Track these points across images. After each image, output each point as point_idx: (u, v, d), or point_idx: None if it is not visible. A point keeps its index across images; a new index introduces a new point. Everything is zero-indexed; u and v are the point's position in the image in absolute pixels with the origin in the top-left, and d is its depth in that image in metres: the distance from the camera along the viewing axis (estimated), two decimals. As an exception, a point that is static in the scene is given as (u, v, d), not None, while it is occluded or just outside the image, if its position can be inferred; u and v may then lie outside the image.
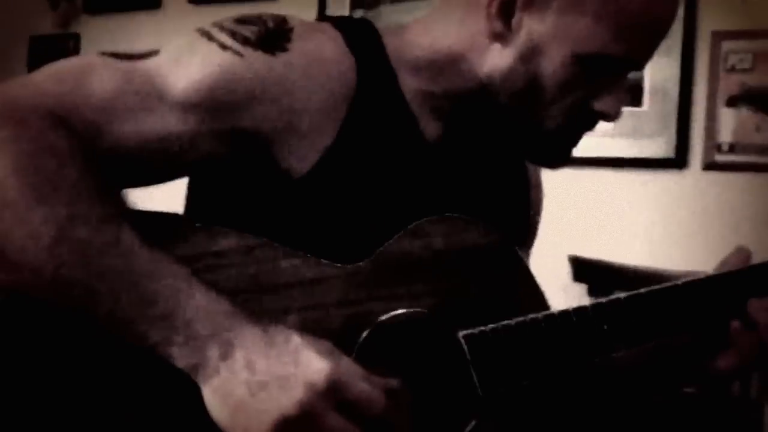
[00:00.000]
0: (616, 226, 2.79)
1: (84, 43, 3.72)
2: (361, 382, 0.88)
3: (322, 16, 3.15)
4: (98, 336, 0.90)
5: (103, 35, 3.64)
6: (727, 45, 2.69)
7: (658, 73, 2.74)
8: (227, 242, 0.98)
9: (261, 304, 0.95)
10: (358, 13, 3.17)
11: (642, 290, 1.03)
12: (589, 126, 1.09)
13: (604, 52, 1.01)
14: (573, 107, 1.05)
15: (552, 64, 1.03)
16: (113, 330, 0.88)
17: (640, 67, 1.08)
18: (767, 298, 1.03)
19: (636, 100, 2.77)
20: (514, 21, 1.03)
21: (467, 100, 1.08)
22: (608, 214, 2.81)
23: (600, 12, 1.00)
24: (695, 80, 2.74)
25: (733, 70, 2.69)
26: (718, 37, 2.70)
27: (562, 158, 1.13)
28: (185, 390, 0.89)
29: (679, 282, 1.05)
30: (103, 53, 0.99)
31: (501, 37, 1.04)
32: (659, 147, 2.76)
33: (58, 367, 0.92)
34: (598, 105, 1.05)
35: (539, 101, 1.05)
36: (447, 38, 1.08)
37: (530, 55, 1.03)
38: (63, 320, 0.91)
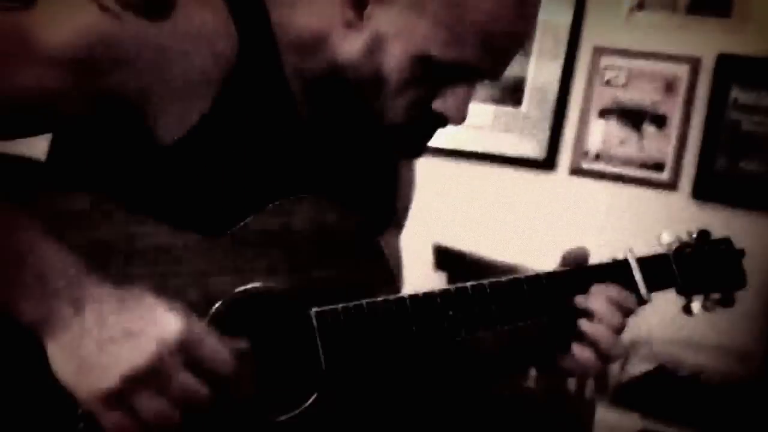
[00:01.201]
0: (484, 219, 2.88)
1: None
2: (211, 342, 0.88)
3: None
4: None
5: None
6: (605, 60, 2.83)
7: (540, 77, 2.87)
8: (83, 203, 0.97)
9: (115, 268, 0.94)
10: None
11: (485, 281, 1.08)
12: (436, 125, 1.09)
13: (436, 55, 1.01)
14: (413, 105, 1.06)
15: (393, 60, 1.03)
16: None
17: (487, 76, 1.08)
18: (589, 293, 1.10)
19: (516, 100, 2.88)
20: (366, 11, 1.03)
21: (328, 84, 1.08)
22: (477, 207, 2.90)
23: (438, 16, 1.00)
24: (573, 89, 2.86)
25: (608, 84, 2.82)
26: (598, 51, 2.84)
27: (410, 151, 1.15)
28: (23, 350, 0.87)
29: (521, 276, 1.11)
30: None
31: (353, 25, 1.04)
32: (531, 148, 2.87)
33: None
34: (437, 105, 1.05)
35: (381, 94, 1.05)
36: (316, 21, 1.09)
37: (375, 47, 1.03)
38: None
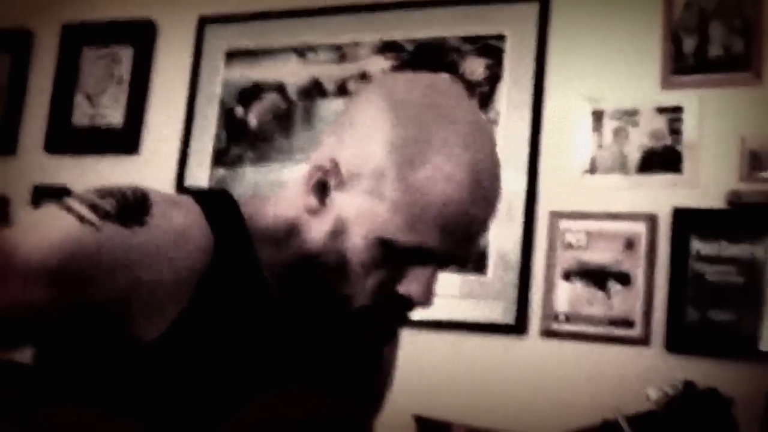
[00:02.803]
0: (459, 387, 2.86)
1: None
2: None
3: (181, 187, 3.16)
4: None
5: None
6: (564, 223, 2.88)
7: (501, 244, 2.91)
8: (69, 415, 0.98)
9: None
10: (219, 172, 3.23)
11: None
12: (403, 308, 1.10)
13: (395, 239, 1.03)
14: (378, 287, 1.07)
15: (355, 244, 1.05)
16: None
17: (452, 260, 1.09)
18: None
19: (480, 268, 2.91)
20: (328, 199, 1.07)
21: (300, 271, 1.11)
22: (452, 375, 2.88)
23: (396, 201, 1.03)
24: (535, 253, 2.90)
25: (570, 246, 2.87)
26: (555, 215, 2.89)
27: (380, 337, 1.16)
28: None
29: None
30: None
31: (316, 212, 1.08)
32: (500, 313, 2.88)
33: None
34: (402, 288, 1.06)
35: (347, 279, 1.07)
36: (286, 210, 1.12)
37: (338, 232, 1.06)
38: None
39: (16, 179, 3.46)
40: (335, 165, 1.08)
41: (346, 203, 1.06)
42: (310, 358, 1.14)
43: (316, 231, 1.08)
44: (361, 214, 1.05)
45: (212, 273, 1.06)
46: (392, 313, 1.11)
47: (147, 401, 1.00)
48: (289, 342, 1.12)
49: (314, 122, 3.15)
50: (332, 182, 1.08)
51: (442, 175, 1.02)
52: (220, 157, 3.25)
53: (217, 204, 1.11)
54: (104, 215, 1.01)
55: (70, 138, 3.44)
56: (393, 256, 1.05)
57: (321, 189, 1.08)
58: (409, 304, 1.08)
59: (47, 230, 0.99)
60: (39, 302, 0.96)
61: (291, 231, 1.10)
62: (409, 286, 1.06)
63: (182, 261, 1.04)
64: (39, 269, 0.96)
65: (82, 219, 1.00)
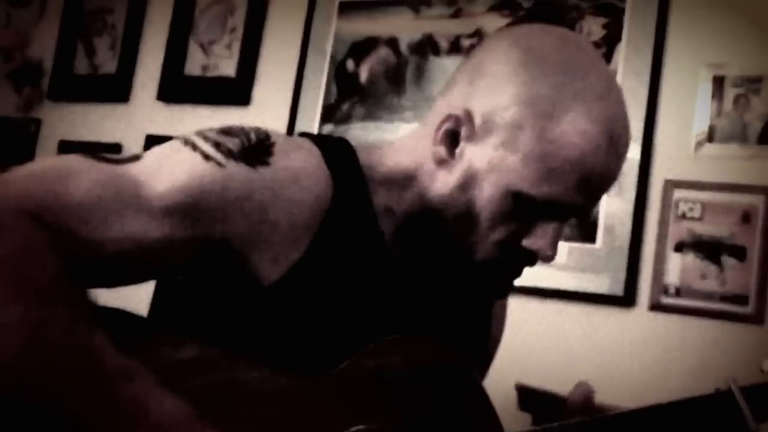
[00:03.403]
0: (565, 358, 2.82)
1: (44, 129, 3.66)
2: None
3: (301, 132, 3.12)
4: None
5: (65, 123, 3.63)
6: (678, 193, 2.80)
7: (612, 213, 2.83)
8: (189, 352, 0.98)
9: (222, 416, 0.94)
10: (328, 128, 3.22)
11: (589, 418, 1.07)
12: (525, 262, 1.10)
13: (529, 192, 1.03)
14: (504, 241, 1.07)
15: (485, 196, 1.05)
16: (74, 430, 0.86)
17: (577, 214, 1.10)
18: None
19: (589, 237, 2.85)
20: (457, 149, 1.06)
21: (418, 221, 1.10)
22: (558, 345, 2.84)
23: (530, 153, 1.03)
24: (646, 223, 2.82)
25: (683, 217, 2.78)
26: (669, 185, 2.81)
27: (498, 290, 1.15)
28: None
29: (624, 411, 1.10)
30: (86, 155, 0.99)
31: (444, 163, 1.07)
32: (609, 284, 2.82)
33: None
34: (527, 243, 1.07)
35: (473, 231, 1.06)
36: (406, 159, 1.12)
37: (468, 184, 1.05)
38: None
39: (129, 127, 3.51)
40: (468, 115, 1.07)
41: (477, 155, 1.05)
42: (424, 308, 1.14)
43: (442, 182, 1.07)
44: (493, 166, 1.04)
45: (331, 218, 1.06)
46: (513, 267, 1.10)
47: (263, 344, 1.00)
48: (403, 291, 1.12)
49: (425, 80, 3.10)
50: (464, 133, 1.07)
51: (578, 128, 1.03)
52: (329, 113, 3.23)
53: (336, 150, 1.11)
54: (228, 153, 1.01)
55: (183, 87, 3.46)
56: (523, 210, 1.04)
57: (451, 139, 1.06)
58: (533, 258, 1.08)
59: (173, 167, 0.99)
60: (164, 238, 0.97)
61: (410, 180, 1.10)
62: (535, 240, 1.06)
63: (304, 202, 1.04)
64: (164, 204, 0.97)
65: (207, 157, 1.00)
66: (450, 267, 1.12)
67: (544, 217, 1.06)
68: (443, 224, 1.08)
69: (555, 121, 1.03)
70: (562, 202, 1.05)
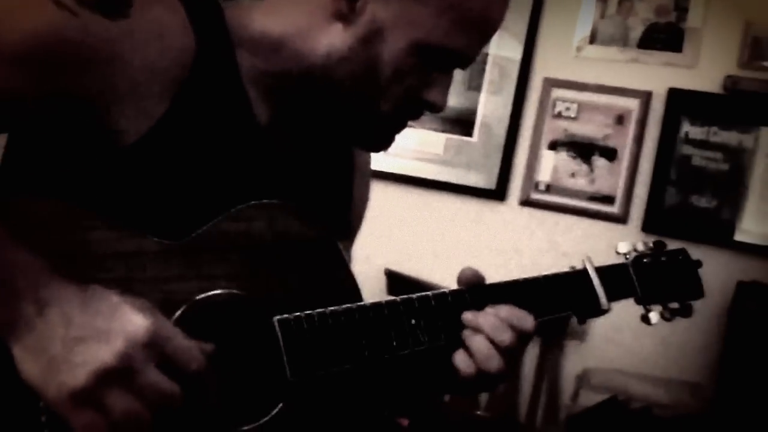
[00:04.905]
0: (435, 246, 2.86)
1: None
2: (180, 339, 0.87)
3: None
4: None
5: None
6: (556, 92, 2.84)
7: (490, 109, 2.86)
8: (46, 209, 0.95)
9: (78, 274, 0.90)
10: None
11: (446, 290, 1.08)
12: (416, 115, 1.09)
13: (443, 44, 1.02)
14: (405, 95, 1.06)
15: (391, 50, 1.02)
16: None
17: (466, 64, 1.09)
18: (483, 310, 1.06)
19: (467, 131, 2.87)
20: (359, 3, 1.02)
21: (300, 81, 1.07)
22: (429, 234, 2.87)
23: (442, 4, 1.01)
24: (523, 121, 2.86)
25: (559, 116, 2.83)
26: (548, 83, 2.84)
27: (386, 143, 1.13)
28: None
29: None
30: None
31: (344, 17, 1.03)
32: (482, 178, 2.86)
33: None
34: (429, 95, 1.06)
35: (374, 86, 1.05)
36: (288, 16, 1.07)
37: (371, 38, 1.03)
38: None
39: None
40: None
41: (381, 8, 1.02)
42: (287, 176, 1.12)
43: (341, 38, 1.03)
44: (400, 19, 1.02)
45: (193, 78, 1.01)
46: (403, 120, 1.09)
47: (122, 205, 0.97)
48: (267, 155, 1.10)
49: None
50: None
51: None
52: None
53: (199, 5, 1.06)
54: (82, 2, 0.95)
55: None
56: (427, 62, 1.03)
57: None
58: (421, 110, 1.08)
59: (23, 14, 0.93)
60: (12, 88, 0.92)
61: (292, 39, 1.05)
62: (435, 93, 1.06)
63: (164, 57, 0.99)
64: (13, 53, 0.91)
65: (60, 5, 0.94)
66: (326, 128, 1.10)
67: (444, 68, 1.05)
68: (336, 81, 1.04)
69: None
70: (463, 51, 1.04)
